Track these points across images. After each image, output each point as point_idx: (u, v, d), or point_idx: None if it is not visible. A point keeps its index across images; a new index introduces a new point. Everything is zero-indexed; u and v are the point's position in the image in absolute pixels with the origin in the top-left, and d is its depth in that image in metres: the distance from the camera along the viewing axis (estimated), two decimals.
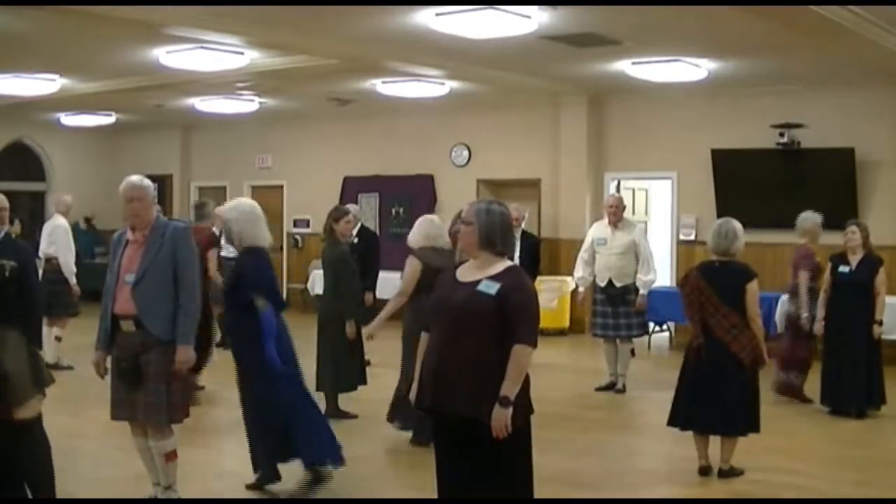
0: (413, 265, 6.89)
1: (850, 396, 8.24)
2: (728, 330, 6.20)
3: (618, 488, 6.27)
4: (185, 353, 5.15)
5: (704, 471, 6.37)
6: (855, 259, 8.29)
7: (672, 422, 6.51)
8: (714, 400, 6.23)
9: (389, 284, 14.22)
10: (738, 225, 6.37)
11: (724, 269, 6.31)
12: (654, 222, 14.17)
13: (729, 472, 6.34)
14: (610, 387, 9.39)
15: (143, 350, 5.14)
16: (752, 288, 6.21)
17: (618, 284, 9.19)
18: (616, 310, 9.20)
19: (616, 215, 9.30)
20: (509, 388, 3.91)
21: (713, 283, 6.26)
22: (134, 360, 5.14)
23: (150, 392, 5.15)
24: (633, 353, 9.55)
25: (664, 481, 6.54)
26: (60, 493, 5.14)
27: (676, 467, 6.67)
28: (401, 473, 6.71)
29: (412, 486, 6.05)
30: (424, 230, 7.04)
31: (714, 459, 6.39)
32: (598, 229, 9.49)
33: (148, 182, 5.37)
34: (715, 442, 6.40)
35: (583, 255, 9.51)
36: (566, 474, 6.46)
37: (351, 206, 9.90)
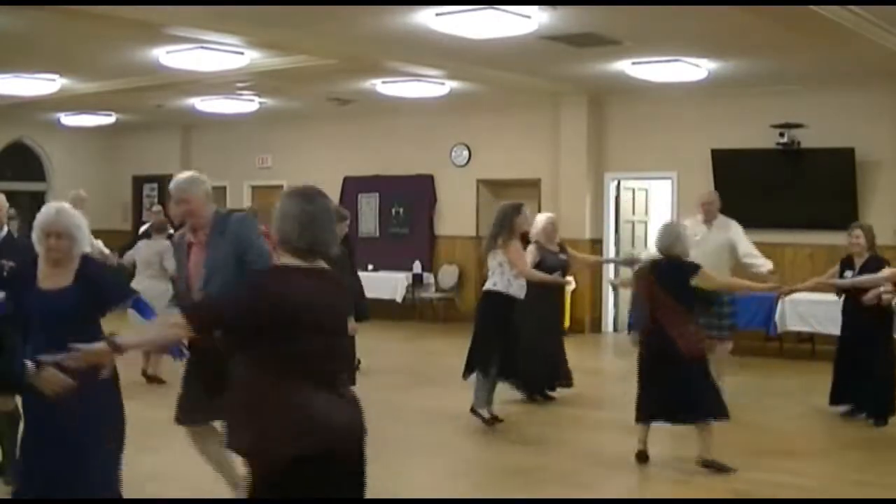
0: None
1: (863, 399, 8.11)
2: (674, 324, 6.35)
3: (616, 488, 6.29)
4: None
5: (641, 456, 6.59)
6: (860, 262, 8.11)
7: (638, 418, 6.64)
8: (671, 391, 6.38)
9: (388, 284, 14.37)
10: (682, 228, 6.72)
11: (670, 265, 6.55)
12: (654, 222, 14.13)
13: (713, 464, 6.39)
14: None
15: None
16: (703, 274, 6.43)
17: None
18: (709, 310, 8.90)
19: (710, 212, 9.06)
20: (130, 340, 3.38)
21: (660, 278, 6.50)
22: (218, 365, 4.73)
23: None
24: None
25: (664, 480, 6.54)
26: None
27: (677, 466, 6.67)
28: (401, 473, 6.70)
29: (413, 486, 6.06)
30: None
31: (691, 452, 6.48)
32: (692, 226, 8.88)
33: (195, 178, 5.03)
34: (688, 435, 6.53)
35: None
36: (566, 474, 6.48)
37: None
